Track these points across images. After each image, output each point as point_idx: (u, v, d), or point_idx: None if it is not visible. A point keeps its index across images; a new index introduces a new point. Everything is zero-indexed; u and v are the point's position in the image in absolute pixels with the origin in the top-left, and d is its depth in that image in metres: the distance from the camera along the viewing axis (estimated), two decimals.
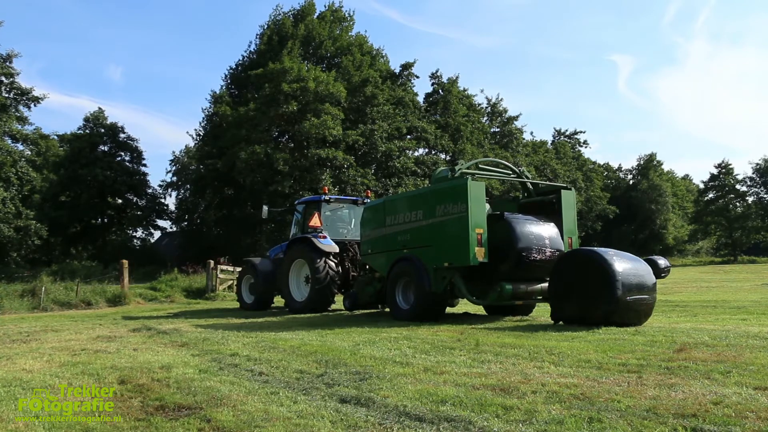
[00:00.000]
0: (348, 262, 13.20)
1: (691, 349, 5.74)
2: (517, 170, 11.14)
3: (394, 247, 10.45)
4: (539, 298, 9.71)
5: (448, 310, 11.02)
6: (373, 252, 11.16)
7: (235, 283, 17.44)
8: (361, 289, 11.94)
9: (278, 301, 14.93)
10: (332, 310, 13.05)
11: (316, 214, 13.25)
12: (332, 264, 12.55)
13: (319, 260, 12.37)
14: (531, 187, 11.02)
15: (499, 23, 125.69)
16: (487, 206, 10.23)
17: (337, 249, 12.75)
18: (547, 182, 12.42)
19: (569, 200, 10.22)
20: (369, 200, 13.81)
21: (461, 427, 3.50)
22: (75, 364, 6.11)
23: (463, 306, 12.11)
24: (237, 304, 15.73)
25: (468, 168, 10.47)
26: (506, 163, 12.01)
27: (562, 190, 10.25)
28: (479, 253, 8.95)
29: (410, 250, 10.08)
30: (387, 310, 11.43)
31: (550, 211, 10.21)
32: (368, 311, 12.49)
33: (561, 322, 8.22)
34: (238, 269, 17.95)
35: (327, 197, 13.72)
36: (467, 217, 8.98)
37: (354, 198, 14.97)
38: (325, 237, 12.82)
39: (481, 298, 9.51)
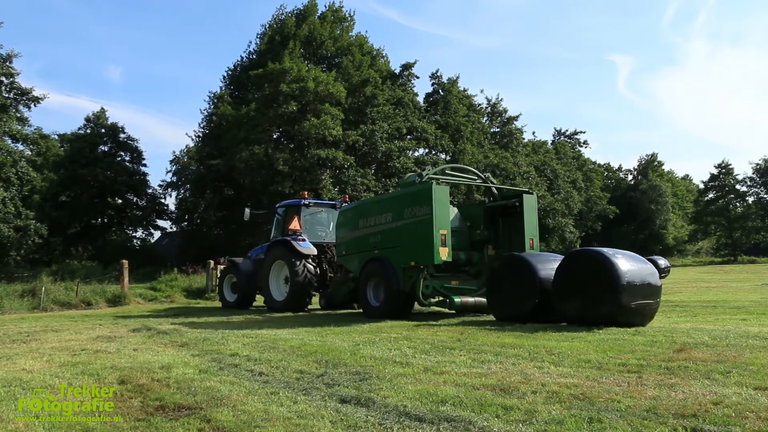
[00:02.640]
0: (326, 264, 13.84)
1: (691, 349, 5.74)
2: (482, 176, 11.77)
3: (366, 248, 11.02)
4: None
5: (434, 308, 11.29)
6: (348, 253, 11.75)
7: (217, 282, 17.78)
8: (336, 289, 12.53)
9: (260, 299, 15.27)
10: (310, 309, 13.62)
11: (296, 218, 13.80)
12: (310, 266, 13.18)
13: (298, 262, 12.99)
14: (496, 191, 11.66)
15: (499, 23, 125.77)
16: (455, 210, 11.19)
17: (315, 251, 13.40)
18: (510, 187, 13.21)
19: (531, 204, 10.78)
20: (346, 204, 14.20)
21: (461, 427, 3.50)
22: (75, 364, 6.11)
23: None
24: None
25: (435, 173, 11.12)
26: (472, 169, 12.65)
27: (524, 195, 10.82)
28: (443, 253, 9.57)
29: (381, 250, 10.66)
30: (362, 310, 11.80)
31: (513, 214, 10.86)
32: (344, 311, 12.91)
33: (564, 323, 8.22)
34: None
35: (306, 202, 14.39)
36: (432, 219, 9.55)
37: (332, 202, 15.65)
38: (304, 240, 13.39)
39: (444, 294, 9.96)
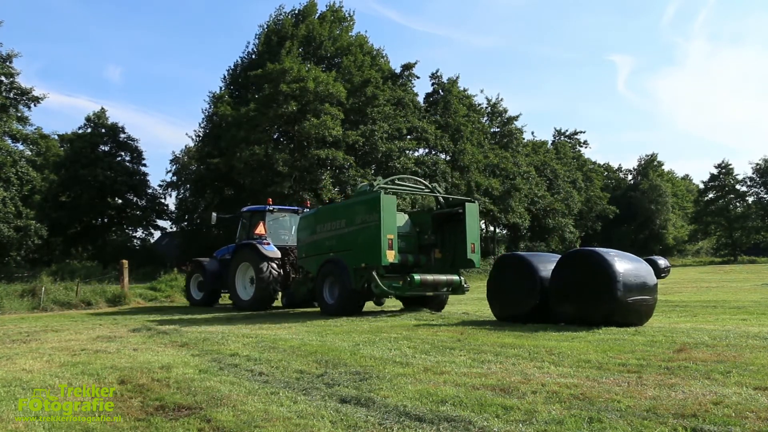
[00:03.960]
0: (288, 265, 14.60)
1: (691, 349, 5.74)
2: (429, 186, 12.70)
3: (323, 251, 11.97)
4: (446, 290, 11.54)
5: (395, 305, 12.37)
6: (307, 256, 12.67)
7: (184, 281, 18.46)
8: (297, 289, 13.54)
9: (225, 297, 16.12)
10: (274, 307, 14.54)
11: (261, 223, 14.70)
12: (275, 268, 14.04)
13: (263, 264, 13.84)
14: (442, 200, 12.54)
15: (499, 23, 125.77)
16: (406, 216, 12.38)
17: (279, 254, 14.24)
18: (455, 196, 14.33)
19: (473, 211, 11.70)
20: (308, 210, 15.21)
21: (461, 427, 3.50)
22: (75, 364, 6.11)
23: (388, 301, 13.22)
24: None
25: (386, 183, 12.03)
26: (420, 179, 13.69)
27: (467, 203, 11.75)
28: (390, 255, 10.54)
29: (335, 253, 11.58)
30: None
31: (458, 221, 11.75)
32: (305, 309, 13.80)
33: (562, 323, 8.22)
34: None
35: (270, 208, 15.34)
36: (380, 225, 10.49)
37: (295, 208, 16.50)
38: (268, 243, 14.31)
39: (395, 290, 10.96)
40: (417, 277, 10.70)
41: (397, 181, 12.78)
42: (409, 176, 15.31)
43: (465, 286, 11.78)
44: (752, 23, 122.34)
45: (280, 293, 14.42)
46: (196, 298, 16.33)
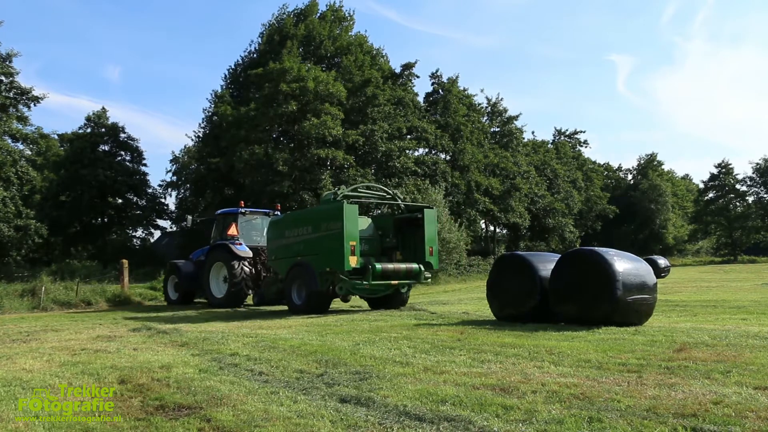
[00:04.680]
0: (260, 265, 15.33)
1: (691, 349, 5.74)
2: (390, 193, 13.61)
3: (292, 254, 12.75)
4: (406, 289, 12.56)
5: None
6: (276, 258, 13.45)
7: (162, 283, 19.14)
8: (267, 288, 14.26)
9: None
10: (245, 305, 15.34)
11: (234, 225, 15.48)
12: (246, 267, 14.84)
13: (235, 264, 14.63)
14: (403, 206, 13.41)
15: (499, 23, 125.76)
16: (369, 220, 13.09)
17: (250, 254, 15.02)
18: (415, 203, 15.70)
19: (431, 217, 12.62)
20: (278, 213, 16.43)
21: (461, 426, 3.50)
22: (75, 363, 6.11)
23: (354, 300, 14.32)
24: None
25: (350, 191, 12.93)
26: (382, 187, 14.55)
27: (425, 209, 12.66)
28: (352, 260, 11.35)
29: (303, 257, 12.37)
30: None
31: (417, 225, 12.60)
32: (275, 307, 14.37)
33: (562, 323, 8.22)
34: None
35: (243, 210, 16.17)
36: (343, 233, 11.28)
37: (266, 210, 17.30)
38: (240, 244, 15.07)
39: (359, 291, 12.00)
40: (378, 265, 11.63)
41: (359, 190, 13.74)
42: (372, 184, 16.18)
43: (426, 274, 12.48)
44: (751, 23, 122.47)
45: (251, 292, 15.18)
46: (172, 298, 17.14)
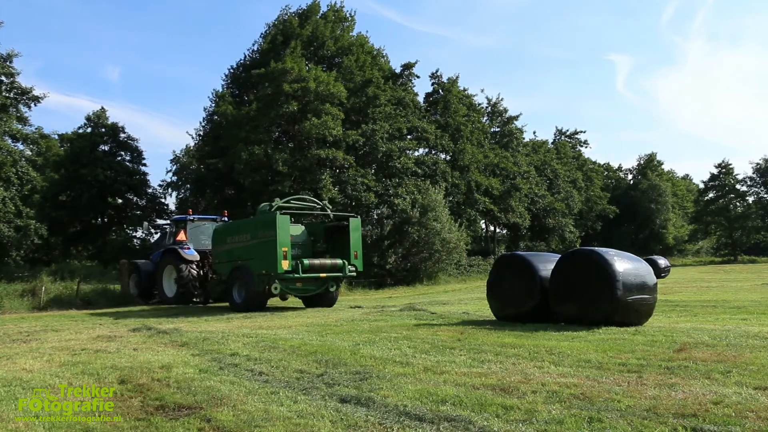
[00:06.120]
0: (207, 267, 16.63)
1: (691, 349, 5.74)
2: (320, 204, 15.42)
3: (233, 258, 14.22)
4: (335, 288, 14.06)
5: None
6: (220, 262, 14.96)
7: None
8: (212, 288, 15.93)
9: None
10: (194, 302, 16.76)
11: (183, 231, 16.92)
12: (194, 270, 16.29)
13: (183, 267, 16.12)
14: (332, 216, 15.37)
15: (499, 23, 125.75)
16: (302, 227, 14.76)
17: (198, 258, 16.43)
18: (342, 213, 17.27)
19: (356, 225, 14.43)
20: (226, 219, 18.20)
21: (461, 426, 3.50)
22: (75, 363, 6.10)
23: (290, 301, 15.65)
24: None
25: (283, 203, 14.34)
26: (313, 198, 16.40)
27: (350, 218, 14.43)
28: (284, 264, 12.75)
29: (242, 261, 13.79)
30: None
31: (344, 232, 14.17)
32: (220, 304, 15.77)
33: (562, 323, 8.21)
34: None
35: (191, 217, 17.79)
36: (276, 240, 12.70)
37: (214, 216, 18.97)
38: (189, 248, 16.45)
39: (292, 291, 13.60)
40: (306, 261, 13.23)
41: (292, 202, 15.16)
42: (303, 196, 17.91)
43: (350, 267, 13.90)
44: (751, 23, 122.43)
45: (199, 291, 16.62)
46: (133, 294, 18.48)
